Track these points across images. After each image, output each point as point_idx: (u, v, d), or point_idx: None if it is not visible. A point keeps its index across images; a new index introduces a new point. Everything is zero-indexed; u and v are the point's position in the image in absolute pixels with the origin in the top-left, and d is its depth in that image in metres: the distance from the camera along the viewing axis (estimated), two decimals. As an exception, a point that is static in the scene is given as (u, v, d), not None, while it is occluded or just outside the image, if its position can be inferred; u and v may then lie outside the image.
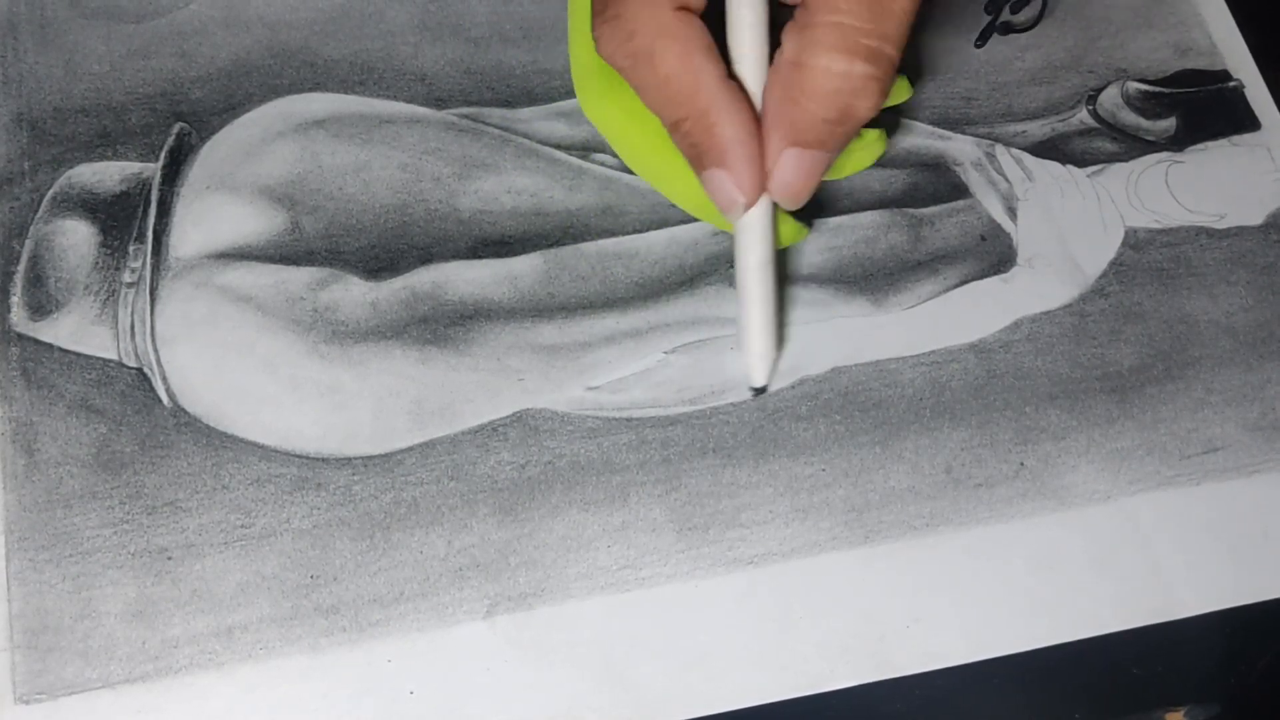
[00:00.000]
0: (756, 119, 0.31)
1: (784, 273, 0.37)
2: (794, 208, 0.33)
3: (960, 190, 0.39)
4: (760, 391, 0.36)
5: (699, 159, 0.32)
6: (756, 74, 0.32)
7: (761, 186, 0.32)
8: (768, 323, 0.35)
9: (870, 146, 0.37)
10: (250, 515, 0.34)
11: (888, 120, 0.39)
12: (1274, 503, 0.35)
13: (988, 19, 0.41)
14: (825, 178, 0.37)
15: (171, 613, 0.33)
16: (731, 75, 0.31)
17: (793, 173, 0.31)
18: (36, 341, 0.36)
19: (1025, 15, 0.41)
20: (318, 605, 0.33)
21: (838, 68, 0.29)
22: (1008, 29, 0.41)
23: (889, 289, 0.38)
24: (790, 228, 0.37)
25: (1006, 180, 0.39)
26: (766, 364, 0.35)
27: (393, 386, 0.36)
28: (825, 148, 0.31)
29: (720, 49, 0.31)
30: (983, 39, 0.41)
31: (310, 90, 0.39)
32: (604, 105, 0.36)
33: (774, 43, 0.32)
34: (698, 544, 0.34)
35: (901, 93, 0.37)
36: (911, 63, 0.41)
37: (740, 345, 0.35)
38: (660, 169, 0.36)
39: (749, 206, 0.32)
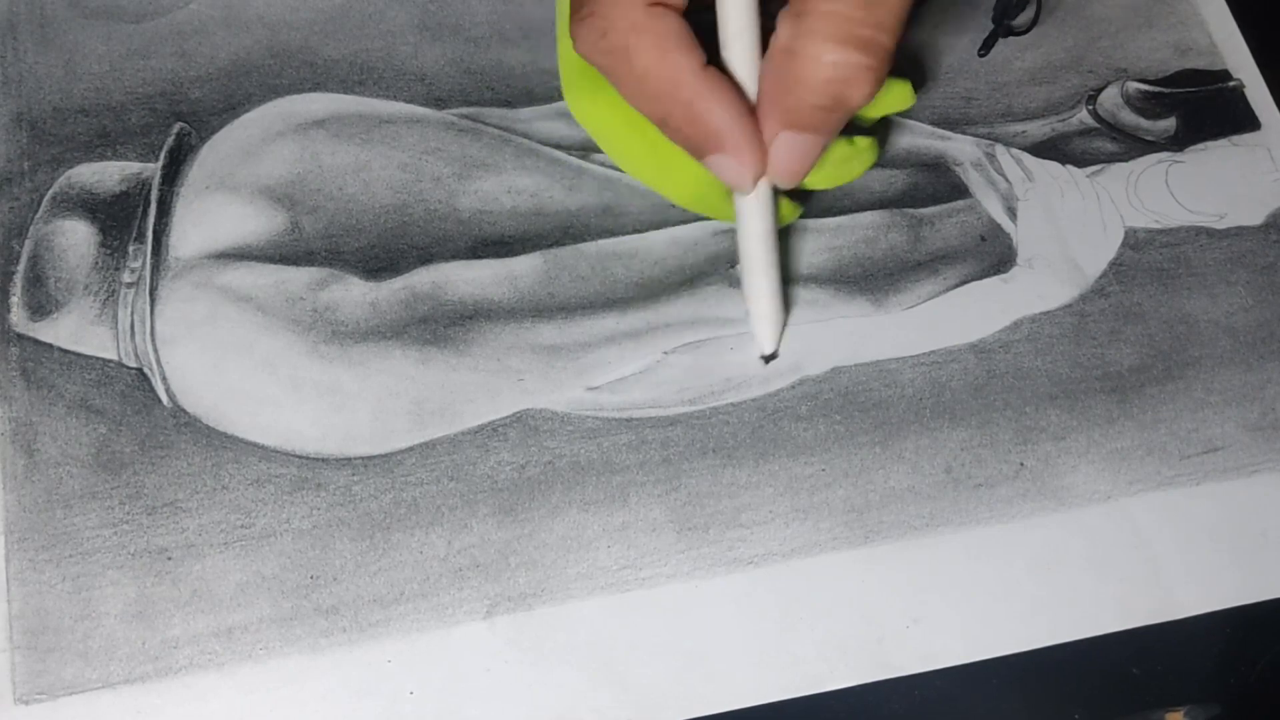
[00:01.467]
0: (744, 98, 0.31)
1: (785, 272, 0.37)
2: (789, 186, 0.33)
3: (960, 190, 0.39)
4: (771, 358, 0.36)
5: (696, 149, 0.32)
6: (745, 58, 0.31)
7: (764, 160, 0.32)
8: (774, 289, 0.35)
9: (862, 154, 0.37)
10: (250, 515, 0.34)
11: (879, 129, 0.39)
12: (1274, 503, 0.35)
13: (991, 25, 0.41)
14: (819, 188, 0.37)
15: (171, 613, 0.33)
16: (712, 61, 0.31)
17: (787, 155, 0.32)
18: (36, 341, 0.36)
19: (1021, 19, 0.41)
20: (318, 605, 0.33)
21: (831, 57, 0.29)
22: (1006, 32, 0.41)
23: (889, 289, 0.38)
24: (786, 206, 0.37)
25: (1006, 180, 0.39)
26: (775, 328, 0.36)
27: (392, 387, 0.36)
28: (819, 132, 0.31)
29: (704, 38, 0.31)
30: (986, 48, 0.41)
31: (310, 90, 0.39)
32: (591, 105, 0.36)
33: (768, 27, 0.31)
34: (698, 544, 0.34)
35: (904, 100, 0.37)
36: (912, 64, 0.41)
37: (749, 315, 0.36)
38: (651, 166, 0.36)
39: (759, 179, 0.32)
